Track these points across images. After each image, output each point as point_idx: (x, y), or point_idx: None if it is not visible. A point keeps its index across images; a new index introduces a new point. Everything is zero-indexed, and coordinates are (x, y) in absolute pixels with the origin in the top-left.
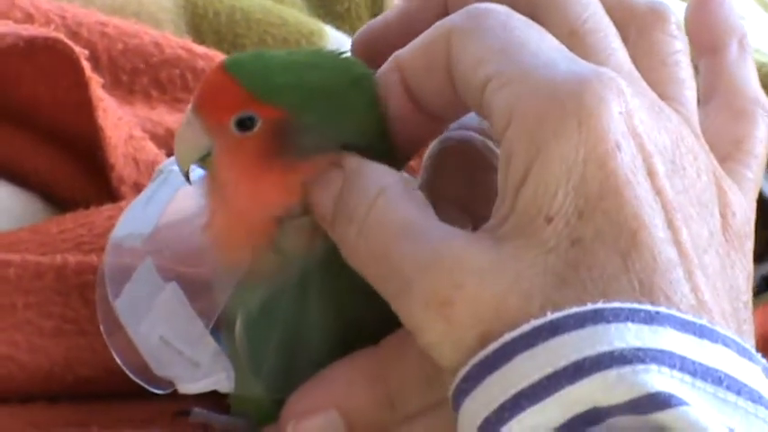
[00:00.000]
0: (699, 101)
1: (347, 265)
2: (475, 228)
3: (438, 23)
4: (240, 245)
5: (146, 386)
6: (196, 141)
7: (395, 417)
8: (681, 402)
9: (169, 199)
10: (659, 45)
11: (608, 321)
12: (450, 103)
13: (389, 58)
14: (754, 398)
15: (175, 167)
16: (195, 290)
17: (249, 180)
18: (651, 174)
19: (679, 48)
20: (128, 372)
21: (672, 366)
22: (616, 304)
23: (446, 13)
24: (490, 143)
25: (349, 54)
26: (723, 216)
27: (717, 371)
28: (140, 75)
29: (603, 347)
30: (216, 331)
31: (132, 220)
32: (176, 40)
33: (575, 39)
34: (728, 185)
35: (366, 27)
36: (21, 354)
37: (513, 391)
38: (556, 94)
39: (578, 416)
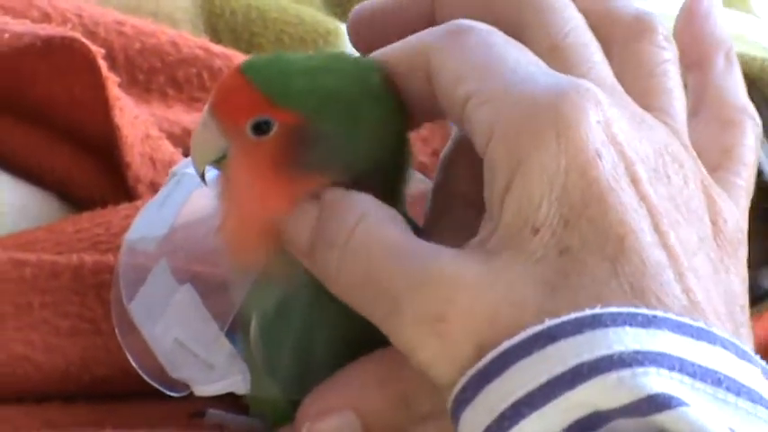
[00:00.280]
0: (688, 113)
1: None
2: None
3: (418, 37)
4: (253, 247)
5: (161, 389)
6: (212, 143)
7: (410, 417)
8: (681, 403)
9: (183, 202)
10: (646, 55)
11: (606, 326)
12: (433, 107)
13: (374, 54)
14: (754, 399)
15: (189, 170)
16: (210, 291)
17: (263, 183)
18: (634, 180)
19: (667, 57)
20: (143, 374)
21: (671, 368)
22: (613, 309)
23: (431, 12)
24: None
25: (368, 58)
26: (714, 223)
27: (716, 372)
28: (157, 74)
29: (602, 351)
30: (231, 333)
31: (146, 223)
32: (193, 40)
33: (556, 53)
34: (718, 193)
35: (357, 10)
36: (37, 353)
37: (512, 399)
38: (534, 107)
39: (579, 421)
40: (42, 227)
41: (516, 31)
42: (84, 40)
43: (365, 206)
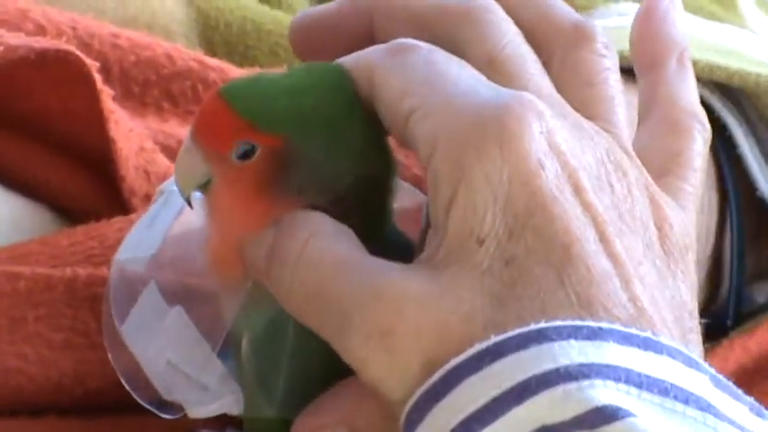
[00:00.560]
0: (639, 115)
1: None
2: None
3: (360, 56)
4: (237, 270)
5: (155, 411)
6: (195, 170)
7: None
8: (628, 414)
9: (172, 220)
10: (586, 64)
11: (551, 340)
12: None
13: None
14: (702, 406)
15: (176, 188)
16: (201, 312)
17: (247, 207)
18: (578, 189)
19: (607, 66)
20: (136, 397)
21: (617, 380)
22: (558, 323)
23: (370, 28)
24: None
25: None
26: (660, 229)
27: (663, 381)
28: (152, 87)
29: (548, 366)
30: (223, 352)
31: (135, 243)
32: (188, 53)
33: (494, 67)
34: (664, 200)
35: (296, 20)
36: (30, 366)
37: (461, 417)
38: (476, 119)
39: None
40: (36, 240)
41: (455, 47)
42: (78, 52)
43: (316, 224)
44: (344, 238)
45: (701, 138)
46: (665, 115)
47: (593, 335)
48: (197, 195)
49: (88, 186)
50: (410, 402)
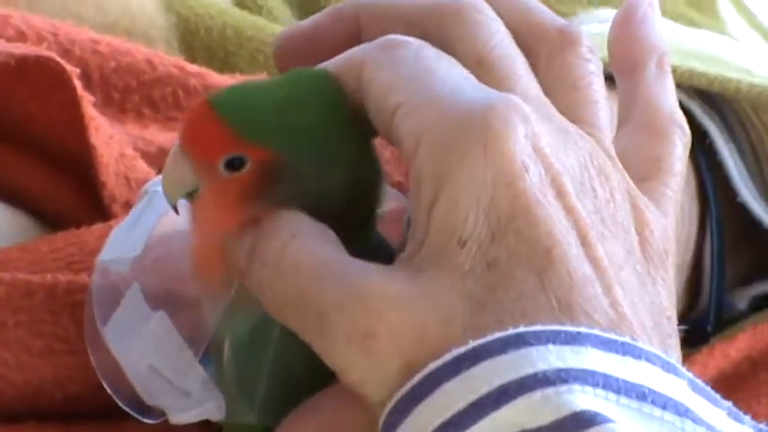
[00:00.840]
0: (619, 120)
1: None
2: None
3: (351, 53)
4: (220, 275)
5: (136, 415)
6: (184, 178)
7: None
8: (606, 420)
9: (155, 221)
10: (570, 68)
11: (530, 344)
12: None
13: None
14: (680, 411)
15: (160, 188)
16: (183, 316)
17: (234, 216)
18: (561, 193)
19: (591, 70)
20: (118, 400)
21: (595, 385)
22: (537, 327)
23: (357, 32)
24: None
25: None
26: (641, 234)
27: (641, 386)
28: (132, 93)
29: (526, 370)
30: (205, 357)
31: (119, 244)
32: (168, 59)
33: (482, 67)
34: (645, 204)
35: (282, 34)
36: (10, 372)
37: (439, 421)
38: (462, 119)
39: None
40: (16, 246)
41: (445, 46)
42: (59, 59)
43: (297, 225)
44: (325, 239)
45: (680, 143)
46: (644, 120)
47: (572, 339)
48: (183, 202)
49: (68, 193)
50: (389, 405)
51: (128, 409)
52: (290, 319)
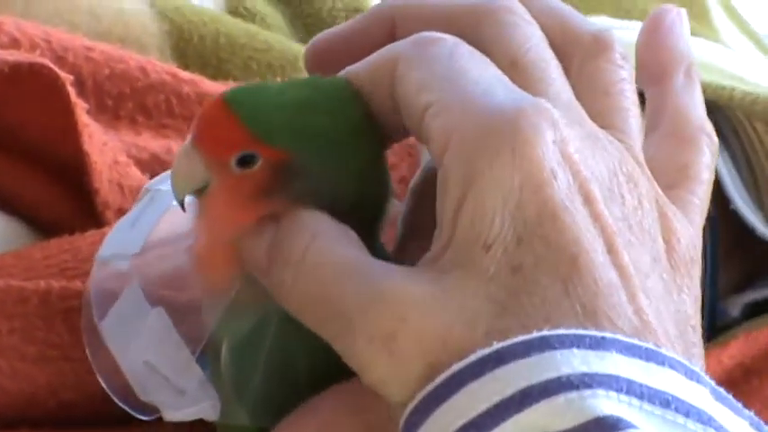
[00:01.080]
0: (646, 128)
1: None
2: None
3: (386, 49)
4: (225, 273)
5: (130, 411)
6: (194, 174)
7: None
8: (629, 425)
9: (157, 219)
10: (603, 74)
11: (554, 348)
12: (395, 125)
13: (340, 73)
14: (703, 419)
15: (162, 187)
16: (182, 314)
17: (243, 213)
18: (588, 200)
19: (623, 76)
20: (112, 395)
21: (619, 390)
22: (561, 331)
23: (393, 34)
24: None
25: (340, 80)
26: (667, 242)
27: (664, 393)
28: (126, 100)
29: (550, 374)
30: (202, 356)
31: (119, 240)
32: (161, 66)
33: (516, 69)
34: (673, 212)
35: (317, 39)
36: (3, 379)
37: (461, 422)
38: (491, 122)
39: None
40: (10, 253)
41: (479, 48)
42: (52, 65)
43: (319, 225)
44: (347, 240)
45: (708, 151)
46: (673, 128)
47: (596, 344)
48: (188, 200)
49: (62, 200)
50: (411, 405)
51: (121, 404)
52: (310, 319)
